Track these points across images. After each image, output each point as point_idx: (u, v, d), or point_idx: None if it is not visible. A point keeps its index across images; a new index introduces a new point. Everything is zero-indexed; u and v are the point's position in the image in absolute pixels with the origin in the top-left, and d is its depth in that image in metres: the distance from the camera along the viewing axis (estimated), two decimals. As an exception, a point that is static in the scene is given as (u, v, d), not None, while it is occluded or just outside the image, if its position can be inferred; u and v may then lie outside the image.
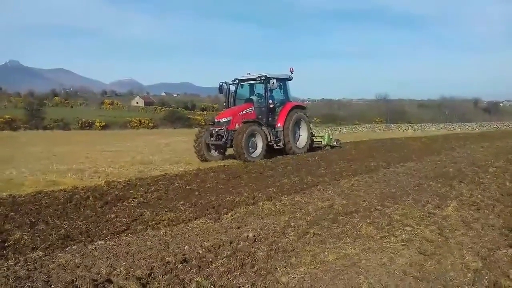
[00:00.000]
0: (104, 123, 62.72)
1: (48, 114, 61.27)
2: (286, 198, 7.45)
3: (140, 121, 68.10)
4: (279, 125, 15.47)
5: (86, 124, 60.31)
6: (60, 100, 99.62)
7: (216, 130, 14.34)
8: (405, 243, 4.85)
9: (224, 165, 12.42)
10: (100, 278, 3.79)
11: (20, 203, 7.20)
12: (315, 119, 70.98)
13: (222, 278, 3.84)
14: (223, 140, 14.07)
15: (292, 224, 5.65)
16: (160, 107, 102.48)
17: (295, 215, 6.21)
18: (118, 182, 9.43)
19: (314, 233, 5.20)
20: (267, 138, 14.61)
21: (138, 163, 13.98)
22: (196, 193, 8.16)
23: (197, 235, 5.35)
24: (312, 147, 17.38)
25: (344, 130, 48.89)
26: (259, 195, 7.72)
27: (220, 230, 5.54)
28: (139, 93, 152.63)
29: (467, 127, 46.35)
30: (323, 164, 12.23)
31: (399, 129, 48.15)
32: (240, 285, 3.68)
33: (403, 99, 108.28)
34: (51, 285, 3.63)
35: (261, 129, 14.56)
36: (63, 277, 3.84)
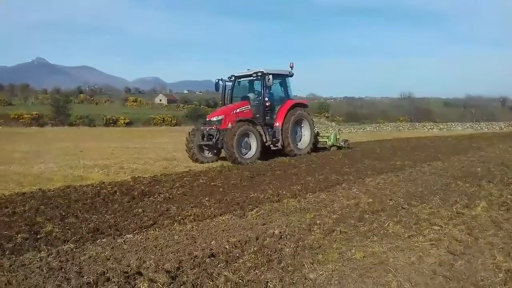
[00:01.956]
0: (128, 120, 63.66)
1: (74, 110, 62.55)
2: (310, 196, 7.43)
3: (163, 118, 68.88)
4: (277, 124, 14.36)
5: (111, 121, 61.29)
6: (85, 97, 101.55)
7: (207, 129, 13.47)
8: (433, 242, 4.78)
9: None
10: (131, 270, 3.86)
11: (50, 197, 7.39)
12: (337, 117, 70.41)
13: (249, 273, 3.86)
14: (214, 140, 13.15)
15: (318, 221, 5.63)
16: (182, 105, 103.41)
17: (320, 212, 6.18)
18: (144, 177, 9.59)
19: (340, 231, 5.17)
20: (262, 138, 13.54)
21: (162, 160, 14.16)
22: (221, 189, 8.21)
23: (223, 230, 5.38)
24: (316, 148, 16.22)
25: (368, 129, 48.39)
26: (284, 192, 7.72)
27: (246, 227, 5.56)
28: (162, 90, 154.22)
29: (494, 126, 45.21)
30: (348, 162, 12.15)
31: (424, 128, 47.31)
32: (268, 281, 3.69)
33: (428, 97, 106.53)
34: (83, 276, 3.71)
35: (256, 128, 13.41)
36: (94, 269, 3.93)
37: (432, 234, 5.05)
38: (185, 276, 3.75)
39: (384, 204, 6.66)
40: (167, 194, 7.69)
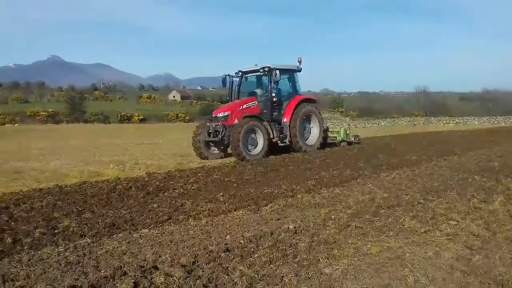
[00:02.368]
0: (142, 117, 64.12)
1: (89, 107, 63.19)
2: (325, 191, 7.40)
3: (176, 114, 69.24)
4: (285, 120, 14.10)
5: (125, 118, 61.81)
6: (100, 94, 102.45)
7: (213, 125, 13.25)
8: (450, 237, 4.72)
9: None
10: (147, 264, 3.89)
11: (67, 192, 7.48)
12: (351, 112, 69.90)
13: (265, 267, 3.86)
14: (220, 136, 12.93)
15: (333, 216, 5.61)
16: (196, 101, 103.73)
17: (335, 207, 6.16)
18: (158, 173, 9.65)
19: (355, 226, 5.14)
20: (269, 135, 13.26)
21: (176, 156, 14.24)
22: (235, 185, 8.22)
23: (238, 225, 5.39)
24: (326, 144, 15.95)
25: (383, 124, 48.02)
26: (298, 187, 7.71)
27: (260, 222, 5.56)
28: (176, 87, 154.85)
29: (512, 120, 44.49)
30: (362, 157, 12.07)
31: (440, 122, 46.76)
32: (283, 275, 3.69)
33: (444, 91, 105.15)
34: (100, 270, 3.75)
35: (262, 124, 13.19)
36: (111, 263, 3.97)
37: (449, 229, 4.99)
38: (200, 270, 3.77)
39: (399, 199, 6.61)
40: (181, 189, 7.73)
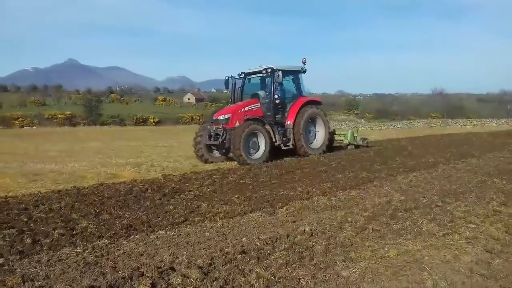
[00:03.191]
0: (157, 119, 64.54)
1: (105, 110, 63.85)
2: (341, 194, 7.36)
3: (191, 117, 69.53)
4: (288, 122, 13.59)
5: (141, 120, 62.29)
6: (116, 97, 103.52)
7: (214, 128, 12.88)
8: (469, 240, 4.67)
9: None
10: (164, 265, 3.92)
11: (84, 194, 7.56)
12: (367, 114, 69.35)
13: (281, 270, 3.85)
14: (220, 140, 12.57)
15: (349, 219, 5.58)
16: (210, 103, 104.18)
17: (351, 210, 6.12)
18: (174, 175, 9.69)
19: (372, 229, 5.11)
20: (271, 138, 12.82)
21: (191, 158, 14.26)
22: (250, 187, 8.22)
23: (254, 227, 5.39)
24: (332, 147, 15.41)
25: (399, 126, 47.52)
26: (313, 190, 7.68)
27: (276, 224, 5.56)
28: (190, 89, 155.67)
29: (531, 122, 43.59)
30: (378, 159, 11.96)
31: (457, 124, 46.05)
32: (300, 277, 3.68)
33: (461, 93, 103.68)
34: (118, 271, 3.78)
35: (264, 127, 12.72)
36: (128, 264, 4.01)
37: (468, 232, 4.94)
38: (217, 272, 3.78)
39: (417, 201, 6.54)
40: (197, 191, 7.76)
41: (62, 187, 8.46)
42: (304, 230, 5.10)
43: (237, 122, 12.52)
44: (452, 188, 7.59)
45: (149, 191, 7.74)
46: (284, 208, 6.38)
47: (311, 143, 14.31)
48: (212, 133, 12.91)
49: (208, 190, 7.91)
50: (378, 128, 46.86)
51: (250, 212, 6.16)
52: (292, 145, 13.54)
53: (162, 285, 3.47)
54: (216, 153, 13.53)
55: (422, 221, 5.38)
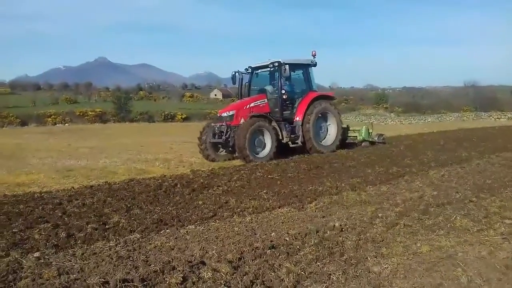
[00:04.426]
0: (185, 116, 65.11)
1: (134, 107, 64.83)
2: (371, 189, 7.26)
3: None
4: (297, 119, 12.93)
5: (169, 117, 62.97)
6: (145, 94, 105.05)
7: (218, 126, 12.38)
8: (505, 236, 4.54)
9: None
10: (194, 260, 3.95)
11: (116, 189, 7.71)
12: (396, 108, 68.12)
13: (311, 265, 3.83)
14: (224, 137, 12.06)
15: (380, 214, 5.49)
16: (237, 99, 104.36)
17: (382, 205, 6.03)
18: (202, 171, 9.78)
19: (404, 224, 5.01)
20: (278, 135, 12.23)
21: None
22: (278, 182, 8.21)
23: (283, 223, 5.38)
24: (345, 144, 14.58)
25: (429, 120, 46.55)
26: (342, 185, 7.60)
27: (305, 219, 5.53)
28: (217, 85, 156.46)
29: None
30: (409, 154, 11.74)
31: (491, 117, 44.71)
32: (331, 273, 3.64)
33: (494, 85, 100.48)
34: (150, 265, 3.84)
35: (271, 124, 12.17)
36: (160, 258, 4.06)
37: (503, 228, 4.80)
38: (247, 266, 3.79)
39: (450, 197, 6.39)
40: (225, 186, 7.80)
41: (94, 182, 8.65)
42: (334, 225, 5.05)
43: (242, 119, 12.02)
44: (486, 182, 7.37)
45: (178, 186, 7.83)
46: (313, 203, 6.34)
47: (321, 140, 13.61)
48: (216, 131, 12.41)
49: (236, 185, 7.93)
50: (408, 122, 46.02)
51: (279, 207, 6.15)
52: (301, 142, 12.91)
53: (193, 279, 3.50)
54: (222, 152, 13.04)
55: (456, 217, 5.25)
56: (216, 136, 12.34)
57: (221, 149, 12.99)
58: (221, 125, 12.28)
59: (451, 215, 5.37)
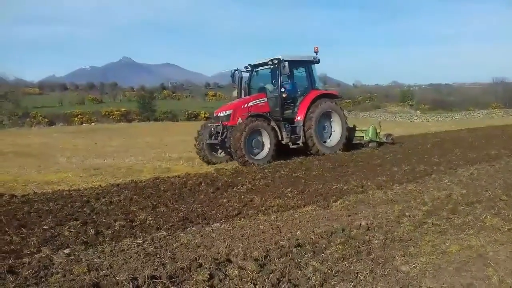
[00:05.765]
0: (208, 114, 65.46)
1: (158, 106, 65.54)
2: (397, 187, 7.16)
3: (241, 111, 69.93)
4: (298, 118, 12.29)
5: (192, 116, 63.41)
6: (168, 93, 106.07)
7: (214, 126, 11.85)
8: (538, 236, 4.39)
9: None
10: (220, 257, 3.97)
11: (142, 187, 7.82)
12: (422, 105, 66.87)
13: (338, 264, 3.79)
14: (219, 138, 11.47)
15: (407, 213, 5.41)
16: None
17: (409, 204, 5.93)
18: (226, 169, 9.83)
19: (432, 223, 4.93)
20: (277, 136, 11.62)
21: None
22: (303, 180, 8.18)
23: (308, 221, 5.36)
24: (351, 145, 13.90)
25: (457, 117, 45.54)
26: (368, 183, 7.52)
27: (331, 218, 5.50)
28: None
29: None
30: (437, 152, 11.53)
31: (520, 115, 43.48)
32: (358, 272, 3.61)
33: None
34: (177, 262, 3.88)
35: (269, 124, 11.53)
36: (186, 255, 4.11)
37: (536, 228, 4.64)
38: (273, 264, 3.78)
39: (479, 195, 6.24)
40: (249, 185, 7.81)
41: (121, 180, 8.80)
42: (360, 224, 5.00)
43: (240, 119, 11.38)
44: (517, 181, 7.17)
45: (203, 184, 7.88)
46: (338, 202, 6.29)
47: (325, 141, 12.94)
48: (212, 131, 11.88)
49: (261, 183, 7.94)
50: (435, 119, 45.16)
51: (304, 206, 6.13)
52: (303, 143, 12.26)
53: (219, 276, 3.51)
54: (220, 153, 12.40)
55: (486, 216, 5.12)
56: (213, 137, 11.82)
57: (220, 151, 12.40)
58: (217, 125, 11.76)
59: (481, 214, 5.24)
